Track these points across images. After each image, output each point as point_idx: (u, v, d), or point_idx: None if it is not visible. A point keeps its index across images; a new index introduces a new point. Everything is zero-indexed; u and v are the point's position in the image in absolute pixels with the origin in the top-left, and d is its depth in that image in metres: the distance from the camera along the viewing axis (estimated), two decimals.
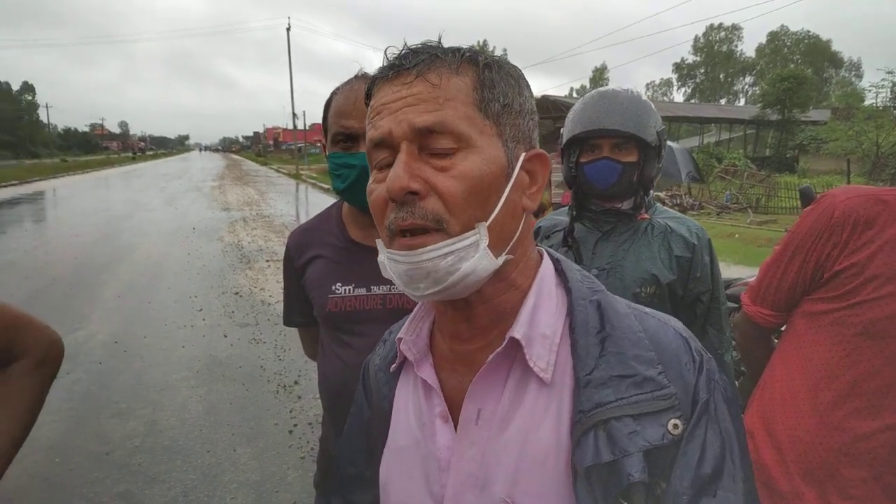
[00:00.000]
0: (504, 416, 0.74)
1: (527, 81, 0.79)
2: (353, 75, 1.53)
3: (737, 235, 12.46)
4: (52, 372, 1.29)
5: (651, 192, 1.80)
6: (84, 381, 5.00)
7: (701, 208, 17.16)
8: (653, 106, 1.72)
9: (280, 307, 7.58)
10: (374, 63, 0.80)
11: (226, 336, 6.22)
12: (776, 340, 1.65)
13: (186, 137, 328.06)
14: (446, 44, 0.75)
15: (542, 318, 0.75)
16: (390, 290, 1.51)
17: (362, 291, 1.53)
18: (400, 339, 0.84)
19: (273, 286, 8.35)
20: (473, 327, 0.77)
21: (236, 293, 8.00)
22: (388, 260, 0.73)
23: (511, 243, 0.74)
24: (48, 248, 11.36)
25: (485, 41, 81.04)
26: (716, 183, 20.37)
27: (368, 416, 0.93)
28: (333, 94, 1.53)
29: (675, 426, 0.68)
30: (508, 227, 0.74)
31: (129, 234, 13.08)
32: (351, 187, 1.49)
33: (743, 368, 4.58)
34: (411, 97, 0.70)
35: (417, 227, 0.68)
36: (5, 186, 27.92)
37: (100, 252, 10.88)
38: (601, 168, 1.70)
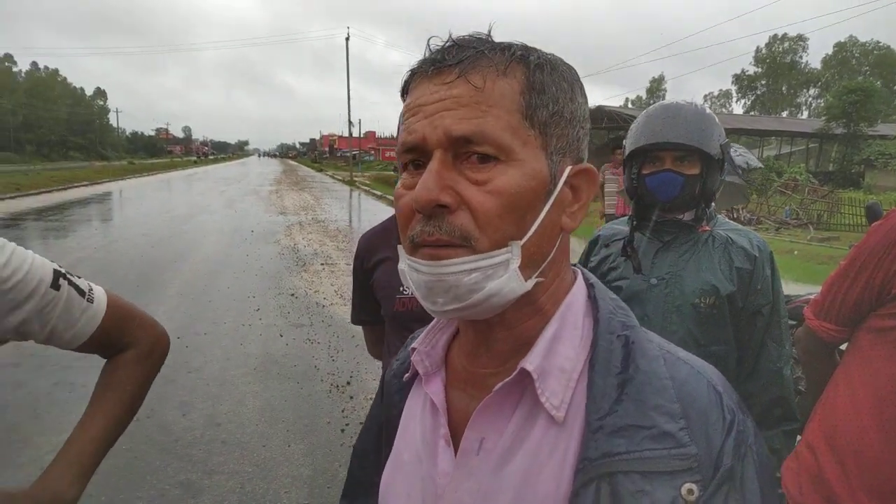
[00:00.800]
0: (506, 450, 0.67)
1: (581, 85, 0.72)
2: None
3: (796, 252, 12.07)
4: (158, 364, 1.34)
5: (713, 204, 1.81)
6: None
7: (759, 223, 16.68)
8: (717, 119, 1.73)
9: (334, 310, 7.69)
10: None
11: (281, 335, 6.39)
12: (838, 357, 1.63)
13: (246, 143, 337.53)
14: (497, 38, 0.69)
15: (561, 349, 0.68)
16: None
17: None
18: (414, 349, 0.79)
19: (327, 289, 8.54)
20: (491, 352, 0.72)
21: (292, 294, 8.21)
22: (409, 269, 0.67)
23: (543, 266, 0.68)
24: (116, 246, 11.88)
25: None
26: (775, 198, 19.79)
27: (382, 420, 0.89)
28: None
29: (690, 492, 0.60)
30: (542, 248, 0.67)
31: (190, 235, 13.56)
32: None
33: (800, 388, 4.44)
34: (450, 100, 0.63)
35: (443, 242, 0.63)
36: (77, 187, 29.28)
37: (163, 251, 11.32)
38: (663, 180, 1.72)
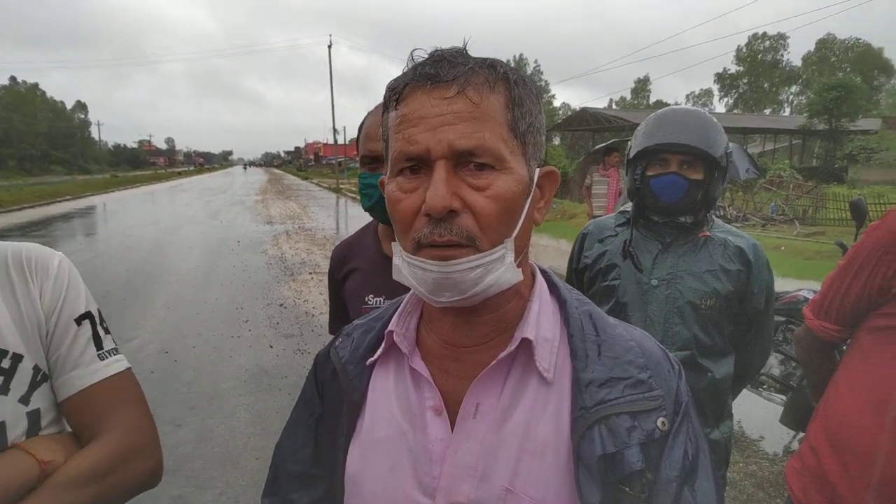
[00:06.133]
0: (504, 411, 0.77)
1: (541, 96, 0.81)
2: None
3: (783, 248, 12.16)
4: (125, 483, 1.03)
5: (713, 210, 1.81)
6: None
7: (745, 220, 16.79)
8: (721, 126, 1.73)
9: (323, 318, 7.64)
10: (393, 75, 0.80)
11: (271, 346, 6.33)
12: (838, 356, 1.63)
13: (230, 153, 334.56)
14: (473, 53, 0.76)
15: (544, 323, 0.80)
16: None
17: None
18: (391, 331, 0.85)
19: (316, 298, 8.48)
20: (474, 332, 0.80)
21: (281, 305, 8.15)
22: (411, 266, 0.73)
23: (521, 255, 0.77)
24: (101, 260, 11.74)
25: (521, 55, 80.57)
26: (760, 194, 19.93)
27: (319, 412, 0.93)
28: (365, 117, 1.63)
29: (663, 423, 0.76)
30: (523, 242, 0.77)
31: (177, 247, 13.44)
32: (375, 205, 1.61)
33: (792, 383, 4.46)
34: (451, 115, 0.69)
35: (453, 243, 0.70)
36: (60, 202, 28.97)
37: (150, 264, 11.21)
38: (668, 183, 1.71)
